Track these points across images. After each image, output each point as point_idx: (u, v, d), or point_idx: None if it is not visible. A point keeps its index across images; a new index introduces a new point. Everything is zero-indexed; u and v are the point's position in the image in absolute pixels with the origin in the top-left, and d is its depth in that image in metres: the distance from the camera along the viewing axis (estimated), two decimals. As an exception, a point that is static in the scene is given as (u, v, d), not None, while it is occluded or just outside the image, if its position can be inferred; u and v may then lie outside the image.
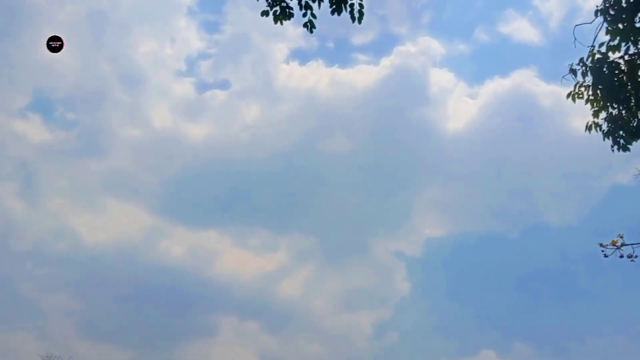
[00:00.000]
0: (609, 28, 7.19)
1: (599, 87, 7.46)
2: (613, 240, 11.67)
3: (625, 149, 7.36)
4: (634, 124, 7.27)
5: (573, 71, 7.64)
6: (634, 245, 11.33)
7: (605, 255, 11.65)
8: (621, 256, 11.51)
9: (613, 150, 7.43)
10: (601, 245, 11.79)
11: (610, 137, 7.48)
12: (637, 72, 7.29)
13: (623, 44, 7.28)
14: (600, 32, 7.28)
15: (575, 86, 7.72)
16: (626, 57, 7.30)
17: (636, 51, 7.24)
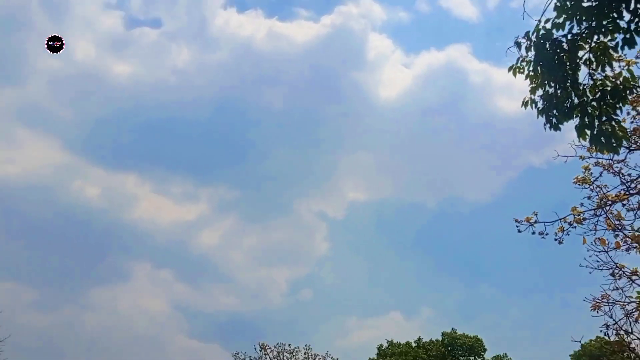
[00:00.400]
0: (557, 4, 7.10)
1: (540, 63, 7.42)
2: (527, 217, 12.20)
3: (556, 128, 7.43)
4: (568, 104, 7.32)
5: (518, 44, 7.53)
6: (546, 223, 11.89)
7: (519, 231, 12.17)
8: (533, 232, 12.08)
9: (545, 129, 7.48)
10: (516, 220, 12.29)
11: (544, 115, 7.51)
12: (577, 52, 7.29)
13: (567, 22, 7.22)
14: (550, 6, 7.18)
15: (517, 60, 7.64)
16: (569, 37, 7.25)
17: (579, 31, 7.21)
